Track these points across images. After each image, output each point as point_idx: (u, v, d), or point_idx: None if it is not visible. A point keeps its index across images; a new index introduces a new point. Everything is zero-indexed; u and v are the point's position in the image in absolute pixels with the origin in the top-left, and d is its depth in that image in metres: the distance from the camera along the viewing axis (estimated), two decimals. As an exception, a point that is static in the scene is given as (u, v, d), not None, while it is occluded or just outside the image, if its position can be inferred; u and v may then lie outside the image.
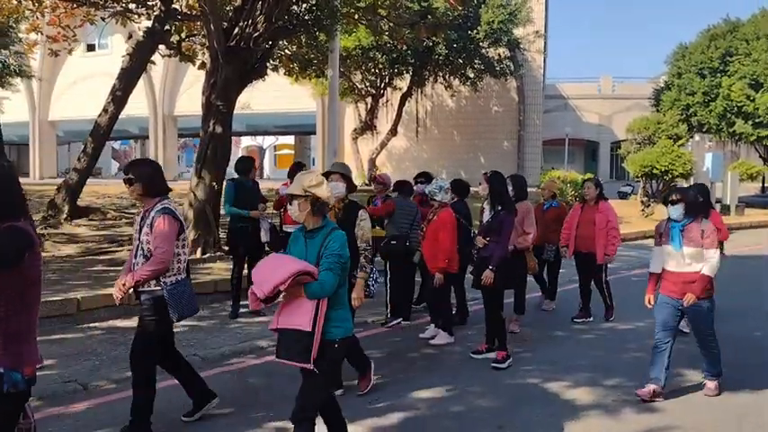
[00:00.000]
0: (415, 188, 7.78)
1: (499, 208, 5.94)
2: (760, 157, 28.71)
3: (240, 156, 10.85)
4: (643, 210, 19.68)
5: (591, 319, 7.67)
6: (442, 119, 29.91)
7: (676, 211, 4.95)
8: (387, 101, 25.18)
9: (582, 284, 7.79)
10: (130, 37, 12.82)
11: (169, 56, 13.08)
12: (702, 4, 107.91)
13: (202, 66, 11.53)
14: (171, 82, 32.40)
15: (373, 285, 5.45)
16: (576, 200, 7.76)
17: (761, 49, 23.82)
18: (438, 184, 6.46)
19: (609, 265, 7.91)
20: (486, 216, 6.09)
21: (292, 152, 47.87)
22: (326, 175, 5.05)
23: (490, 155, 29.53)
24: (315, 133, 31.40)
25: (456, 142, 30.04)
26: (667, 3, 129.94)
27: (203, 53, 12.59)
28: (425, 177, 7.93)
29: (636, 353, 6.42)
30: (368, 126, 24.65)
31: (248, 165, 8.04)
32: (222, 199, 8.00)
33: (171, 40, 12.39)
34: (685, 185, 21.31)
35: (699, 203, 5.36)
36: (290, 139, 47.97)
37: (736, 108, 23.93)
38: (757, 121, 23.50)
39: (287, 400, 4.89)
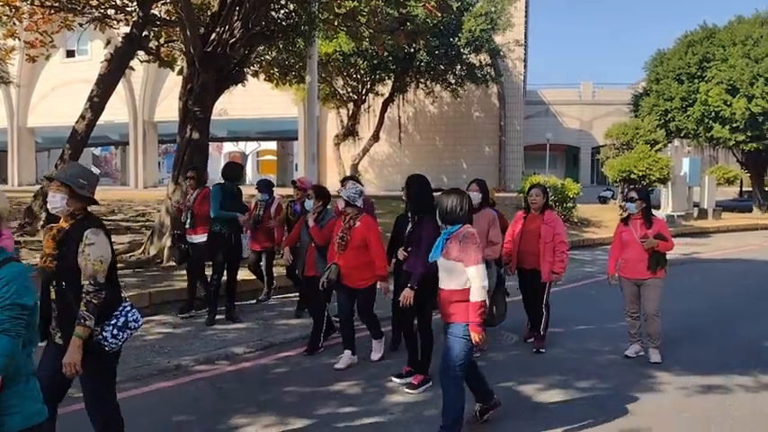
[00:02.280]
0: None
1: (421, 215, 5.47)
2: (738, 161, 29.09)
3: (228, 162, 10.89)
4: (621, 214, 19.82)
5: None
6: (424, 124, 30.01)
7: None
8: (369, 107, 25.21)
9: (527, 305, 6.90)
10: (109, 43, 12.73)
11: (148, 62, 13.02)
12: (679, 11, 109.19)
13: (182, 71, 11.50)
14: (151, 88, 32.23)
15: (111, 340, 3.41)
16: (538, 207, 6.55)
17: (737, 54, 24.16)
18: (357, 188, 5.97)
19: (554, 286, 6.83)
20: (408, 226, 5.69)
21: (275, 158, 47.75)
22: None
23: (472, 160, 29.68)
24: (297, 139, 31.35)
25: (438, 148, 30.14)
26: (646, 10, 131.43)
27: (182, 59, 12.56)
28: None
29: (609, 355, 6.49)
30: (350, 132, 24.65)
31: (237, 171, 8.13)
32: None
33: (150, 45, 12.34)
34: (663, 190, 21.61)
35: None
36: (273, 145, 47.85)
37: (713, 113, 24.22)
38: (734, 125, 23.81)
39: (260, 407, 4.94)
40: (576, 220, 18.70)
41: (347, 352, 6.03)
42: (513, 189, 25.52)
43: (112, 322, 3.41)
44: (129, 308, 3.51)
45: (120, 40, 12.02)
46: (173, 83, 27.79)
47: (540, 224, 6.55)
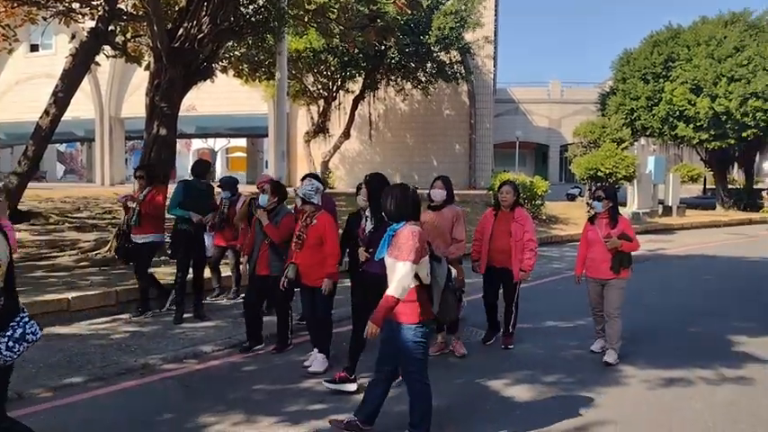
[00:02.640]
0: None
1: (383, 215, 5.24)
2: (701, 159, 29.70)
3: (198, 158, 10.76)
4: (588, 211, 20.12)
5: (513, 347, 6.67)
6: (394, 122, 30.04)
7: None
8: (339, 104, 25.16)
9: (492, 304, 6.79)
10: (74, 37, 12.50)
11: (115, 57, 12.80)
12: (646, 12, 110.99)
13: (149, 67, 11.32)
14: (117, 83, 31.70)
15: (6, 353, 3.12)
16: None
17: (701, 54, 24.65)
18: (313, 185, 5.80)
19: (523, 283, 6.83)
20: (368, 226, 5.44)
21: (245, 155, 47.43)
22: None
23: (442, 158, 29.82)
24: (267, 136, 31.15)
25: (409, 145, 30.21)
26: (615, 9, 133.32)
27: (150, 54, 12.37)
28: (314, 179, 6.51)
29: (576, 350, 6.59)
30: (320, 129, 24.57)
31: (205, 168, 8.00)
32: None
33: (116, 40, 12.13)
34: (629, 187, 21.97)
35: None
36: (243, 142, 47.50)
37: (678, 112, 24.68)
38: (698, 124, 24.30)
39: (229, 405, 4.91)
40: (544, 218, 18.92)
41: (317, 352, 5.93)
42: (483, 186, 25.72)
43: (8, 333, 3.12)
44: (27, 318, 3.22)
45: (86, 34, 11.81)
46: (140, 78, 27.35)
47: (511, 222, 6.47)
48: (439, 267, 4.19)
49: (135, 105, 28.55)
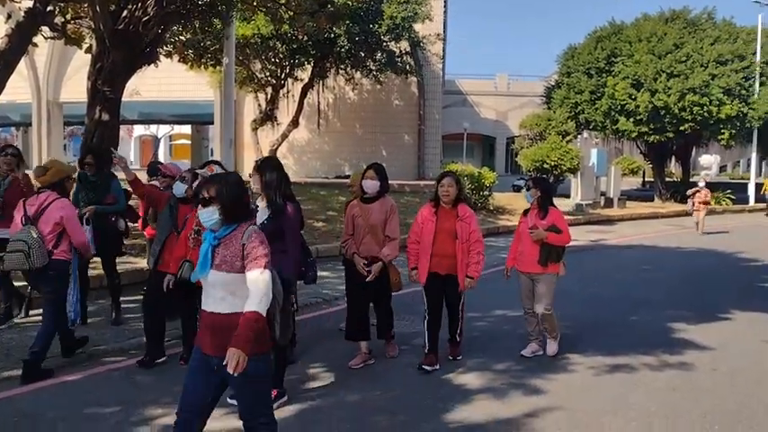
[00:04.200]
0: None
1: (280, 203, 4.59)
2: (641, 152, 30.67)
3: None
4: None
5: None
6: (344, 111, 29.88)
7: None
8: (288, 91, 24.84)
9: (437, 318, 5.76)
10: (9, 17, 11.92)
11: (53, 38, 12.29)
12: (591, 8, 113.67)
13: (90, 50, 10.93)
14: (56, 66, 30.49)
15: None
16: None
17: (642, 50, 25.41)
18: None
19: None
20: (261, 216, 4.57)
21: (189, 142, 46.35)
22: None
23: (392, 148, 29.84)
24: (213, 123, 30.53)
25: (358, 135, 30.12)
26: (561, 6, 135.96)
27: (91, 36, 11.94)
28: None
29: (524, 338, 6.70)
30: (268, 117, 24.22)
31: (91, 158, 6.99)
32: None
33: (55, 21, 11.64)
34: (573, 179, 22.49)
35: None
36: (187, 129, 46.42)
37: (619, 106, 25.41)
38: (638, 118, 25.07)
39: (175, 397, 4.78)
40: (492, 208, 19.20)
41: None
42: (432, 177, 25.88)
43: None
44: None
45: (23, 14, 11.29)
46: (80, 61, 26.32)
47: (455, 221, 5.56)
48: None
49: (74, 89, 27.51)
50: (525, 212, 6.21)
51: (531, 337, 6.17)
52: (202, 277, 3.16)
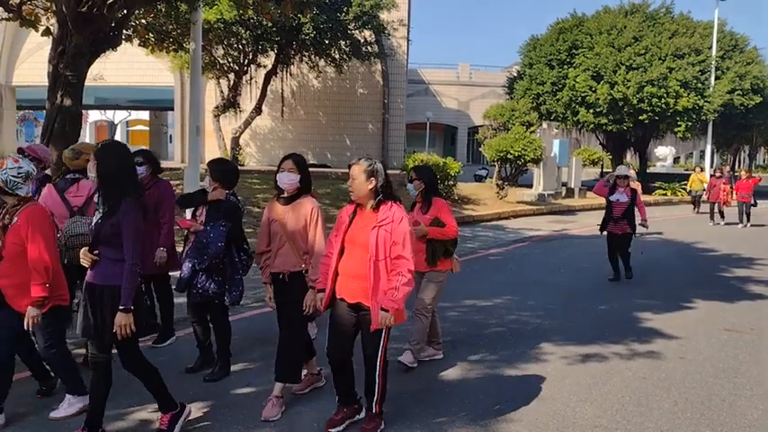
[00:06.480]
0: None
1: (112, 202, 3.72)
2: (600, 143, 31.25)
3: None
4: (498, 192, 20.78)
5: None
6: (308, 99, 29.59)
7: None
8: (251, 78, 24.46)
9: (338, 366, 4.25)
10: (-40, -4, 11.43)
11: (8, 20, 11.82)
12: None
13: (47, 32, 10.54)
14: (9, 49, 29.36)
15: None
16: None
17: (602, 43, 25.85)
18: (22, 169, 4.04)
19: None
20: (96, 215, 3.81)
21: (147, 128, 45.39)
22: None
23: (356, 137, 29.71)
24: (173, 109, 29.91)
25: (322, 123, 29.88)
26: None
27: (47, 18, 11.51)
28: (144, 157, 5.59)
29: (496, 328, 6.79)
30: (230, 103, 23.82)
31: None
32: None
33: (9, 2, 11.20)
34: (535, 170, 22.78)
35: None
36: (145, 115, 45.41)
37: (580, 98, 25.82)
38: (598, 110, 25.53)
39: (143, 394, 4.70)
40: (456, 198, 19.33)
41: (67, 396, 4.39)
42: (395, 166, 25.88)
43: None
44: None
45: (-25, -7, 10.84)
46: (34, 44, 25.51)
47: (370, 228, 3.95)
48: None
49: (28, 72, 26.64)
50: (413, 207, 5.47)
51: (433, 340, 5.62)
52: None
